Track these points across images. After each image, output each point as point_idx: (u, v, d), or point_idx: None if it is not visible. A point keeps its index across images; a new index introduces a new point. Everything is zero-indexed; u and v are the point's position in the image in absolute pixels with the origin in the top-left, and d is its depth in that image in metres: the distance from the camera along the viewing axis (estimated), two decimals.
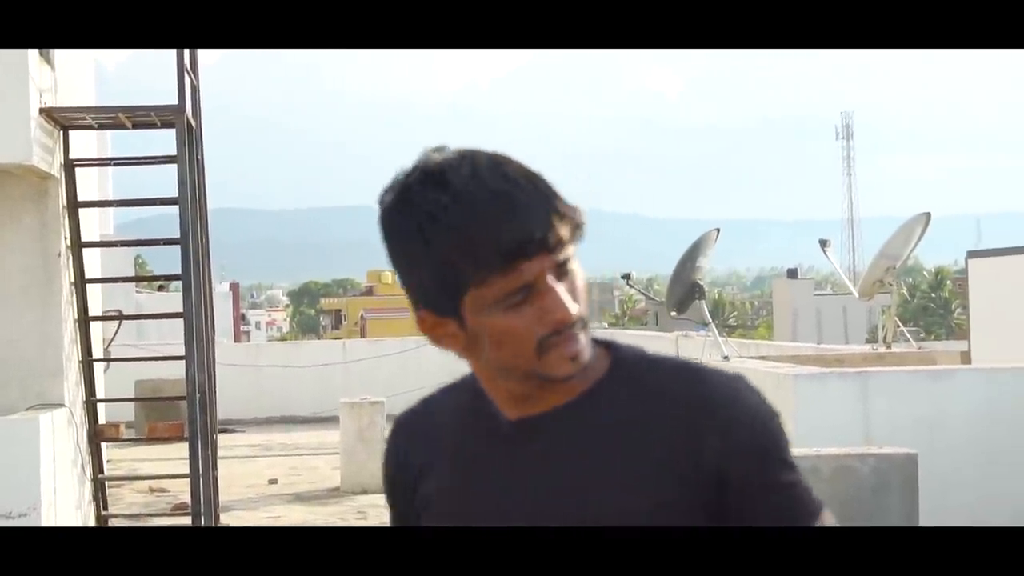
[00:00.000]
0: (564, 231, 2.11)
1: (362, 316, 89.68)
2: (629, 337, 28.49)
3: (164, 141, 13.79)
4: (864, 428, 10.65)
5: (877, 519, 8.06)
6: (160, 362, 16.28)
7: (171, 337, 21.47)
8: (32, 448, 11.52)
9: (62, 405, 12.77)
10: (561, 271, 2.13)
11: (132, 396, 20.11)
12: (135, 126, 13.80)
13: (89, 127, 13.96)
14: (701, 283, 14.34)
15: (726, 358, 13.43)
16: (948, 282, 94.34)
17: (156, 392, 20.83)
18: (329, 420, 21.97)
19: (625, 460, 2.20)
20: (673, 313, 15.02)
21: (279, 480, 18.19)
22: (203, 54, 15.19)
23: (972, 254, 20.37)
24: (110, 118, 13.81)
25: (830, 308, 65.51)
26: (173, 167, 13.30)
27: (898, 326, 15.75)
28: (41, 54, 12.36)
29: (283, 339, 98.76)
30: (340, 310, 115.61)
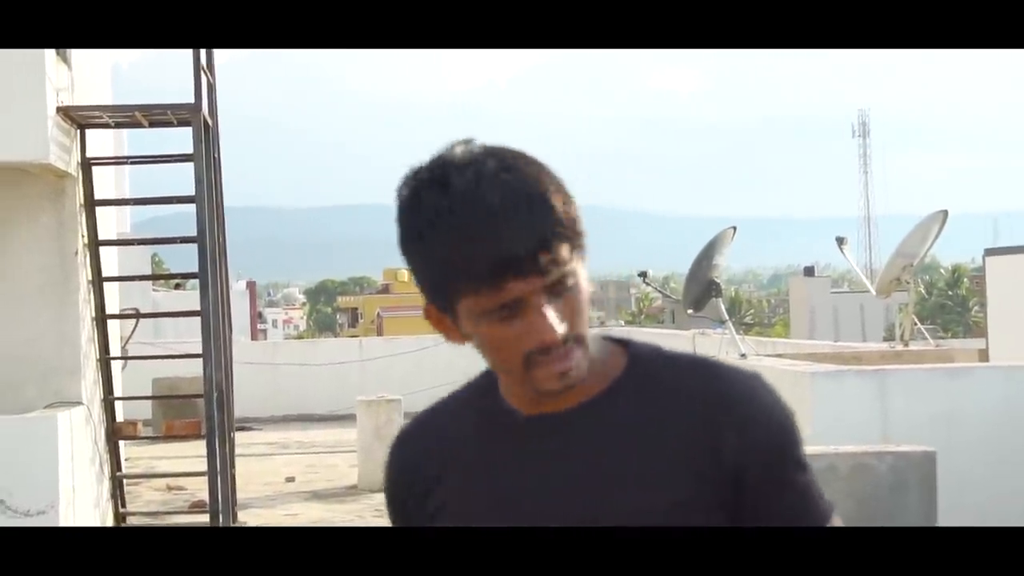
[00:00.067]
0: (560, 251, 2.09)
1: (378, 314, 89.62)
2: (646, 335, 28.48)
3: (180, 140, 13.81)
4: (882, 426, 10.63)
5: (895, 517, 8.04)
6: (177, 360, 16.29)
7: (188, 335, 21.51)
8: (50, 446, 11.54)
9: (80, 403, 12.79)
10: (556, 289, 2.11)
11: (149, 394, 20.14)
12: (151, 124, 13.83)
13: (106, 126, 13.99)
14: (718, 281, 14.32)
15: (743, 356, 13.41)
16: (965, 280, 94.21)
17: (173, 390, 20.86)
18: (346, 418, 21.99)
19: (644, 458, 2.20)
20: (690, 311, 15.00)
21: (296, 478, 18.21)
22: (218, 53, 15.20)
23: (989, 252, 20.29)
24: (127, 117, 13.84)
25: (847, 306, 65.42)
26: (189, 166, 13.32)
27: (915, 324, 15.73)
28: (58, 53, 12.39)
29: (300, 337, 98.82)
30: (356, 308, 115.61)
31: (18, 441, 11.45)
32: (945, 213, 15.34)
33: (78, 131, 13.27)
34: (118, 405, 14.48)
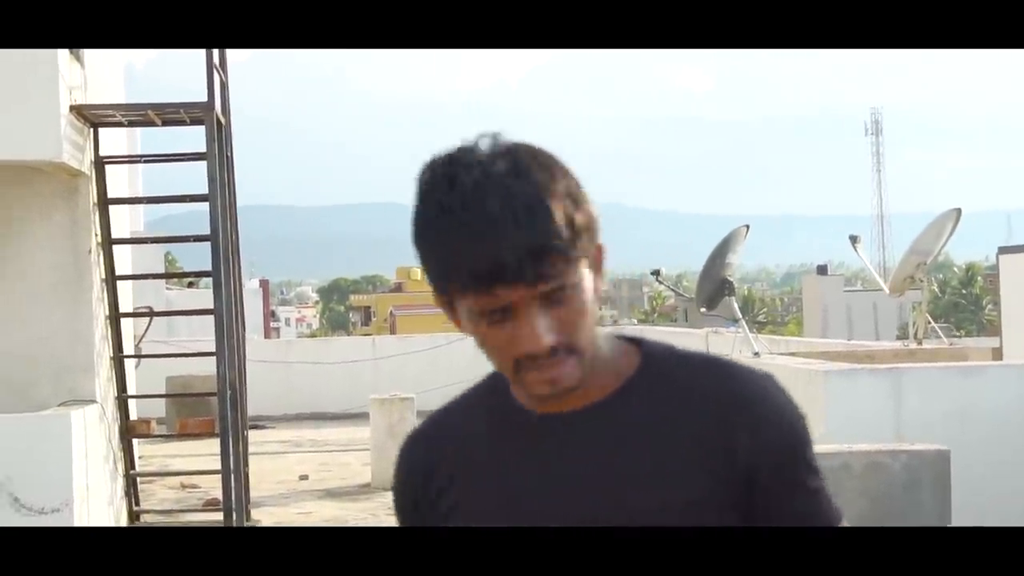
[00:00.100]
0: (556, 263, 2.08)
1: (391, 312, 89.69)
2: (659, 333, 28.46)
3: (193, 139, 13.83)
4: (895, 424, 10.62)
5: (909, 516, 8.03)
6: (191, 358, 16.29)
7: (201, 333, 21.52)
8: (64, 444, 11.56)
9: (94, 401, 12.81)
10: (552, 298, 2.10)
11: (163, 392, 20.15)
12: (164, 123, 13.85)
13: (119, 124, 14.01)
14: (731, 279, 14.31)
15: (756, 354, 13.39)
16: (979, 278, 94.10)
17: (187, 388, 20.86)
18: (359, 416, 22.01)
19: (657, 457, 2.20)
20: (703, 309, 14.99)
21: (309, 476, 18.22)
22: (231, 53, 15.22)
23: (1003, 250, 20.25)
24: (140, 115, 13.86)
25: (860, 304, 65.37)
26: (202, 164, 13.34)
27: (929, 322, 15.70)
28: (71, 52, 12.40)
29: (313, 335, 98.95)
30: (369, 306, 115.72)
31: (32, 439, 11.47)
32: (959, 211, 15.31)
33: (91, 130, 13.29)
34: (132, 403, 14.50)
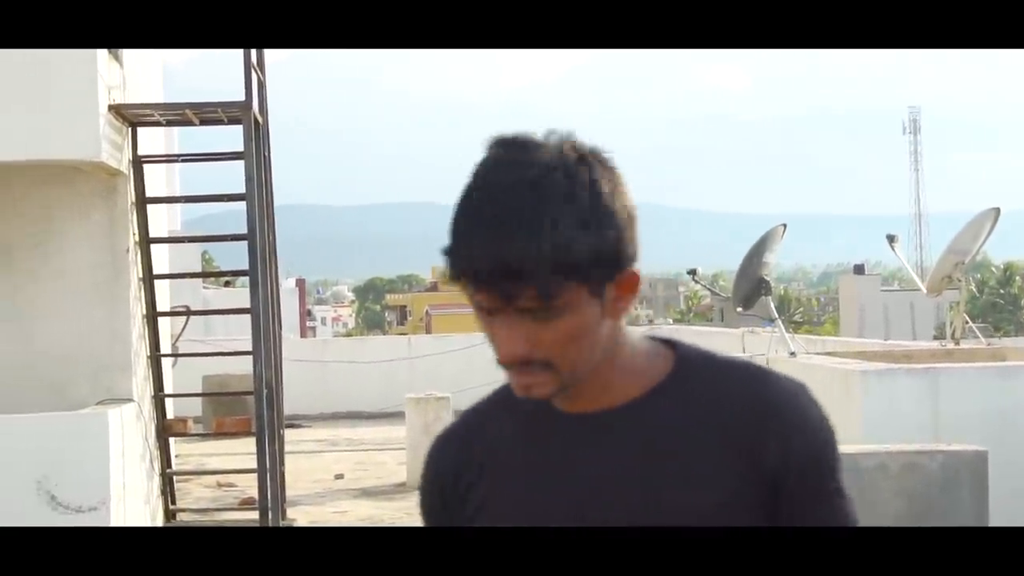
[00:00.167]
0: (540, 285, 2.07)
1: (427, 312, 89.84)
2: (694, 333, 28.43)
3: (230, 138, 13.87)
4: (933, 424, 10.58)
5: (946, 516, 8.00)
6: (227, 357, 16.33)
7: (238, 332, 21.58)
8: (102, 443, 11.59)
9: (131, 400, 12.85)
10: (533, 314, 2.10)
11: (200, 391, 20.21)
12: (202, 123, 13.88)
13: (157, 123, 14.06)
14: (767, 279, 14.27)
15: (793, 354, 13.36)
16: (1017, 278, 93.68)
17: (223, 387, 20.91)
18: (395, 416, 22.00)
19: (687, 459, 2.21)
20: (739, 309, 14.95)
21: (345, 475, 18.24)
22: (268, 53, 15.25)
23: None
24: (178, 114, 13.90)
25: (897, 304, 65.11)
26: (239, 163, 13.36)
27: (966, 322, 15.62)
28: (110, 52, 12.45)
29: (349, 335, 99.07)
30: (405, 306, 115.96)
31: (70, 438, 11.51)
32: (997, 211, 15.23)
33: (130, 129, 13.34)
34: (168, 402, 14.55)
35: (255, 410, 13.38)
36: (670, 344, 2.32)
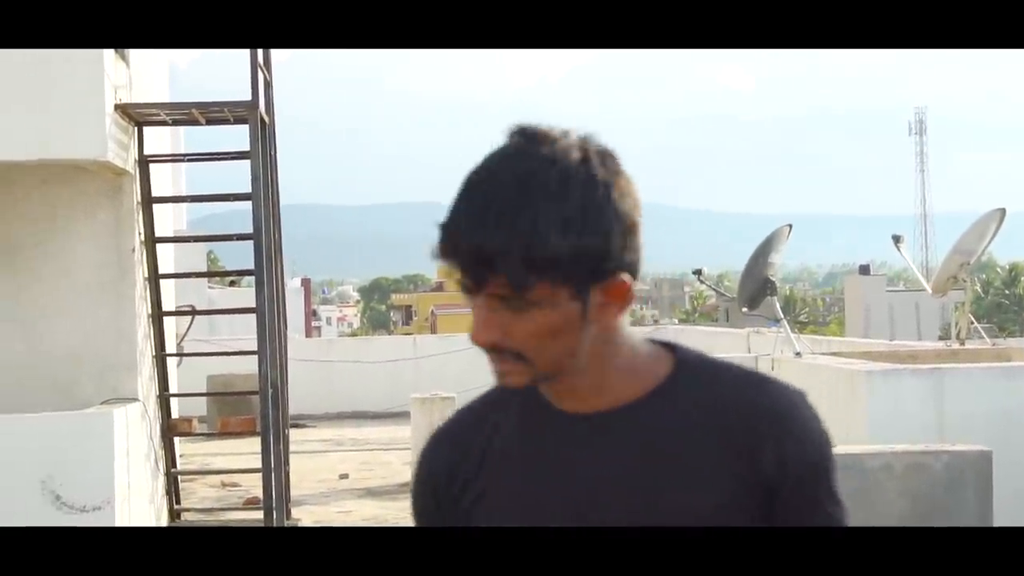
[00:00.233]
0: (516, 278, 2.08)
1: (432, 312, 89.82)
2: (700, 333, 28.42)
3: (236, 138, 13.87)
4: (938, 425, 10.57)
5: (951, 516, 8.00)
6: (232, 357, 16.34)
7: (243, 332, 21.58)
8: (106, 442, 11.60)
9: (136, 400, 12.86)
10: (508, 304, 2.12)
11: (205, 391, 20.22)
12: (208, 122, 13.89)
13: (163, 123, 14.06)
14: (773, 279, 14.26)
15: (798, 354, 13.35)
16: (1023, 278, 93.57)
17: (228, 387, 20.92)
18: (400, 415, 22.02)
19: (685, 461, 2.22)
20: (745, 309, 14.94)
21: (350, 475, 18.25)
22: (273, 53, 15.25)
23: None
24: (184, 114, 13.91)
25: (902, 304, 65.01)
26: (245, 163, 13.36)
27: (972, 322, 15.60)
28: (116, 52, 12.45)
29: (354, 335, 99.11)
30: (410, 306, 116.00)
31: (74, 437, 11.52)
32: (1003, 211, 15.22)
33: (136, 128, 13.35)
34: (173, 402, 14.56)
35: (260, 410, 13.39)
36: (670, 347, 2.33)
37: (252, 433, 15.24)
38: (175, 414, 14.62)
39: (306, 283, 57.92)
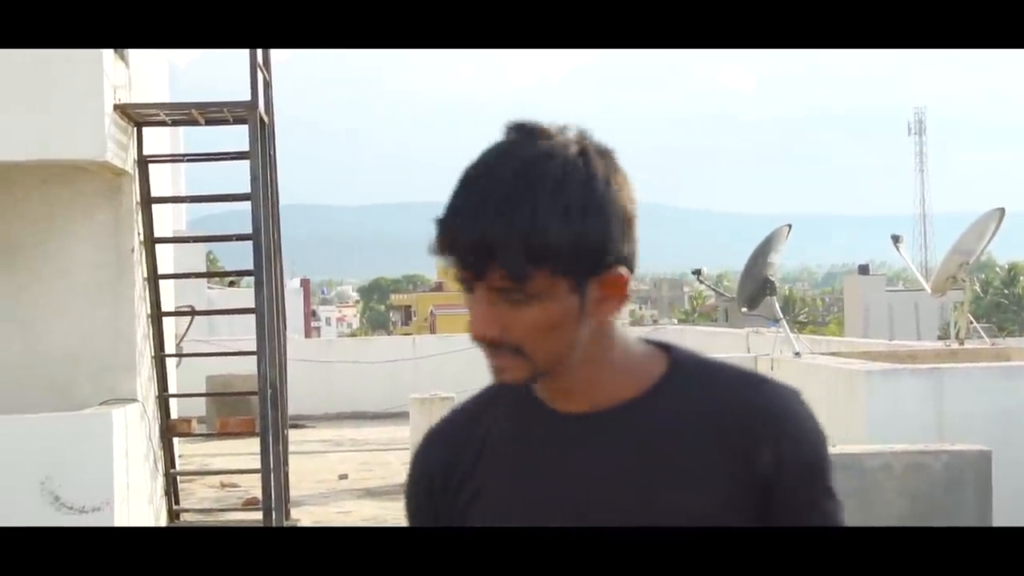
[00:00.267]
0: (501, 268, 2.09)
1: (432, 312, 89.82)
2: (699, 333, 28.42)
3: (235, 138, 13.87)
4: (937, 424, 10.58)
5: (950, 516, 8.00)
6: (231, 357, 16.32)
7: (242, 333, 21.59)
8: (105, 443, 11.60)
9: (135, 400, 12.86)
10: (508, 297, 2.12)
11: (204, 391, 20.21)
12: (208, 122, 13.88)
13: (162, 123, 14.05)
14: (772, 279, 14.26)
15: (797, 354, 13.35)
16: (1022, 278, 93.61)
17: (227, 387, 20.90)
18: (399, 416, 22.01)
19: (680, 461, 2.22)
20: (744, 309, 14.94)
21: (349, 475, 18.25)
22: (273, 53, 15.24)
23: None
24: (183, 114, 13.90)
25: (902, 304, 65.03)
26: (245, 163, 13.36)
27: (971, 322, 15.61)
28: (116, 52, 12.45)
29: (353, 335, 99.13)
30: (410, 306, 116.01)
31: (73, 438, 11.51)
32: (1002, 211, 15.22)
33: (135, 129, 13.34)
34: (172, 402, 14.55)
35: (259, 410, 13.38)
36: (664, 347, 2.33)
37: (251, 434, 15.24)
38: (174, 414, 14.61)
39: (305, 283, 57.93)
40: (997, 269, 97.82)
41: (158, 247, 13.94)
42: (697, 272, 20.16)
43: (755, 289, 14.32)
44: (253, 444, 13.84)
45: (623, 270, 2.16)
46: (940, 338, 34.11)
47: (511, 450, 2.30)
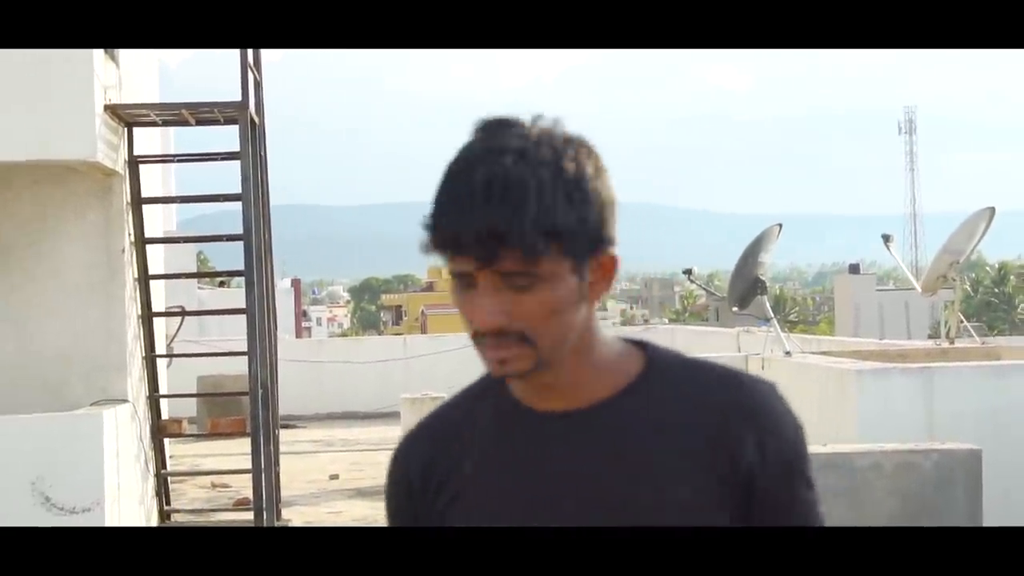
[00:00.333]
0: (515, 250, 2.09)
1: (423, 312, 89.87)
2: (690, 332, 28.42)
3: (226, 138, 13.86)
4: (927, 423, 10.59)
5: (940, 515, 8.01)
6: (222, 358, 16.31)
7: (232, 333, 21.57)
8: (96, 444, 11.58)
9: (125, 401, 12.85)
10: (515, 282, 2.12)
11: (194, 392, 20.20)
12: (198, 123, 13.86)
13: (153, 124, 14.03)
14: (763, 278, 14.27)
15: (788, 354, 13.36)
16: (1012, 277, 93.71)
17: (218, 388, 20.91)
18: (390, 416, 22.02)
19: (659, 457, 2.22)
20: (735, 308, 14.95)
21: (340, 475, 18.25)
22: (266, 53, 15.24)
23: None
24: (174, 114, 13.88)
25: (892, 304, 65.08)
26: (235, 164, 13.35)
27: (961, 321, 15.62)
28: (106, 52, 12.43)
29: (344, 335, 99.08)
30: (401, 306, 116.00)
31: (64, 439, 11.50)
32: (992, 210, 15.24)
33: (125, 129, 13.33)
34: (163, 403, 14.54)
35: (250, 410, 13.37)
36: (641, 345, 2.34)
37: (242, 434, 15.24)
38: (165, 415, 14.60)
39: (296, 283, 57.90)
40: (987, 268, 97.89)
41: (149, 247, 13.93)
42: (688, 272, 20.18)
43: (746, 288, 14.33)
44: (244, 444, 13.84)
45: (614, 251, 2.18)
46: (930, 337, 34.14)
47: (490, 451, 2.30)
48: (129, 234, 13.41)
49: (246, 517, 13.51)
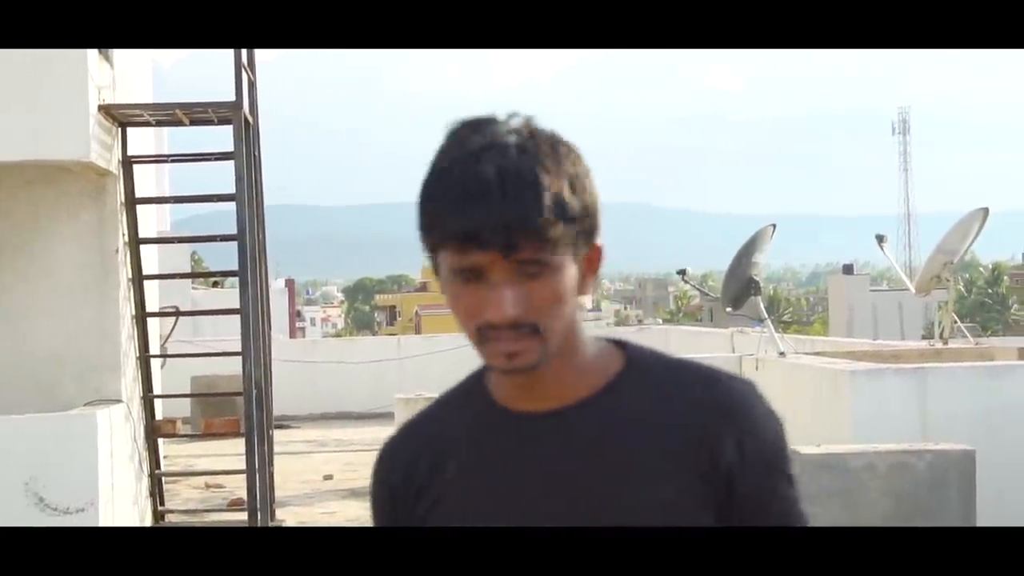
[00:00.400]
0: (530, 238, 2.09)
1: (417, 312, 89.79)
2: (683, 333, 28.42)
3: (220, 138, 13.85)
4: (921, 424, 10.60)
5: (934, 516, 8.02)
6: (216, 358, 16.28)
7: (226, 333, 21.55)
8: (90, 444, 11.58)
9: (119, 401, 12.84)
10: (526, 271, 2.12)
11: (188, 392, 20.17)
12: (192, 123, 13.86)
13: (147, 124, 14.03)
14: (757, 279, 14.28)
15: (782, 354, 13.37)
16: (1005, 277, 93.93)
17: (212, 388, 20.86)
18: (384, 416, 21.98)
19: (642, 455, 2.23)
20: (729, 309, 14.96)
21: (334, 476, 18.24)
22: (260, 53, 15.23)
23: None
24: (168, 114, 13.88)
25: (886, 304, 65.13)
26: (229, 164, 13.35)
27: (955, 322, 15.65)
28: (100, 52, 12.43)
29: (338, 335, 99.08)
30: (395, 306, 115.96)
31: (57, 439, 11.50)
32: (986, 211, 15.27)
33: (119, 129, 13.32)
34: (157, 403, 14.52)
35: (244, 411, 13.36)
36: (620, 344, 2.34)
37: (236, 434, 15.21)
38: (159, 415, 14.58)
39: (290, 284, 57.78)
40: (981, 269, 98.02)
41: (143, 247, 13.92)
42: (682, 272, 20.18)
43: (739, 289, 14.34)
44: (238, 445, 13.83)
45: (601, 242, 2.21)
46: (924, 338, 34.16)
47: (471, 454, 2.31)
48: (123, 234, 13.40)
49: (240, 517, 13.50)
